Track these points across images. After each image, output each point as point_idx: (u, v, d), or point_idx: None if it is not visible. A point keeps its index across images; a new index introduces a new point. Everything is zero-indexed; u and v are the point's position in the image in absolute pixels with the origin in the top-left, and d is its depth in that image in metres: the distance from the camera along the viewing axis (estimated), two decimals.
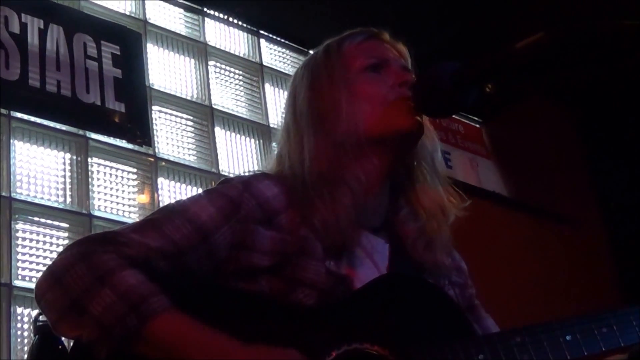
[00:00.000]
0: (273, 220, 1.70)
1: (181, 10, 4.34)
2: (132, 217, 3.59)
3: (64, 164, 3.53)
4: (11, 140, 3.37)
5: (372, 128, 1.76)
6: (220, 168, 4.04)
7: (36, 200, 3.35)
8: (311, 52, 2.02)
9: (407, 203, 1.86)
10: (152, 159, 3.81)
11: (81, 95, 3.60)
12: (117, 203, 3.62)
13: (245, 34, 4.60)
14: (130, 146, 3.74)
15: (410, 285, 1.68)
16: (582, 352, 1.57)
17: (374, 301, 1.64)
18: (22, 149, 3.41)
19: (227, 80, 4.37)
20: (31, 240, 3.28)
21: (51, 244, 3.31)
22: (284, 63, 4.67)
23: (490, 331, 1.85)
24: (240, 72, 4.46)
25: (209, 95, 4.21)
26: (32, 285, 1.60)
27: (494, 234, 4.79)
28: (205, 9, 4.42)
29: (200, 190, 3.45)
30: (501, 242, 4.85)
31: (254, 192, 1.71)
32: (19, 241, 3.23)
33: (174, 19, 4.29)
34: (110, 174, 3.66)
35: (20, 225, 3.27)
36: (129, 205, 3.66)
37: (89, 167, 3.57)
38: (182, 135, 4.02)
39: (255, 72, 4.52)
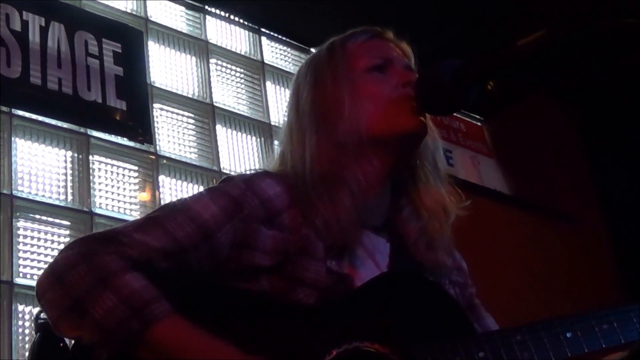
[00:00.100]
0: (275, 219, 1.70)
1: (182, 8, 4.34)
2: (134, 214, 3.59)
3: (65, 161, 3.53)
4: (12, 138, 3.37)
5: (375, 128, 1.75)
6: (222, 166, 4.04)
7: (37, 198, 3.35)
8: (313, 50, 2.02)
9: (409, 202, 1.86)
10: (154, 157, 3.82)
11: (82, 92, 3.59)
12: (119, 201, 3.62)
13: (247, 31, 4.60)
14: (131, 144, 3.74)
15: (410, 283, 1.68)
16: (582, 349, 1.57)
17: (374, 300, 1.64)
18: (24, 147, 3.41)
19: (228, 78, 4.37)
20: (32, 238, 3.28)
21: (52, 241, 3.31)
22: (285, 61, 4.67)
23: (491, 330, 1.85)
24: (242, 70, 4.46)
25: (210, 93, 4.21)
26: (34, 283, 1.60)
27: (495, 232, 4.79)
28: (206, 7, 4.42)
29: (201, 188, 3.45)
30: (502, 240, 4.85)
31: (257, 191, 1.71)
32: (20, 239, 3.23)
33: (175, 17, 4.29)
34: (112, 172, 3.66)
35: (21, 223, 3.27)
36: (130, 203, 3.66)
37: (90, 165, 3.57)
38: (183, 133, 4.02)
39: (257, 70, 4.52)
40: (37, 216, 3.33)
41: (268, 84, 4.51)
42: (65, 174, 3.50)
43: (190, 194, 1.81)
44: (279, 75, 4.57)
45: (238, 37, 4.54)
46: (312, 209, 1.70)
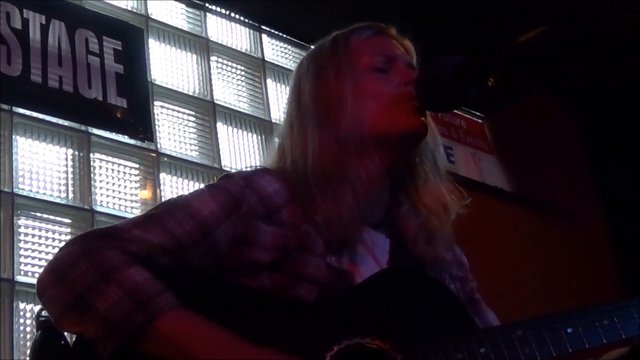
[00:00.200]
0: (274, 215, 1.70)
1: (183, 6, 4.34)
2: (134, 212, 3.60)
3: (66, 159, 3.53)
4: (13, 136, 3.37)
5: (376, 127, 1.75)
6: (222, 163, 4.05)
7: (38, 196, 3.35)
8: (312, 46, 2.01)
9: (408, 199, 1.86)
10: (154, 155, 3.82)
11: (83, 90, 3.60)
12: (119, 198, 3.62)
13: (247, 29, 4.60)
14: (132, 141, 3.75)
15: (411, 279, 1.68)
16: (583, 345, 1.57)
17: (374, 296, 1.64)
18: (24, 145, 3.42)
19: (229, 76, 4.37)
20: (33, 235, 3.28)
21: (53, 239, 3.32)
22: (286, 58, 4.67)
23: (491, 325, 1.85)
24: (242, 68, 4.46)
25: (211, 90, 4.21)
26: (35, 281, 1.60)
27: (496, 229, 4.79)
28: (207, 5, 4.42)
29: (202, 186, 3.45)
30: (503, 237, 4.85)
31: (256, 188, 1.71)
32: (21, 237, 3.24)
33: (176, 15, 4.29)
34: (113, 170, 3.66)
35: (22, 221, 3.27)
36: (131, 201, 3.66)
37: (91, 163, 3.57)
38: (184, 131, 4.02)
39: (257, 68, 4.52)
40: (38, 214, 3.33)
41: (269, 81, 4.51)
42: (66, 172, 3.50)
43: (190, 192, 1.81)
44: (280, 73, 4.58)
45: (239, 35, 4.54)
46: (313, 205, 1.70)
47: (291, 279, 1.65)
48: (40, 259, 3.21)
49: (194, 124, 4.09)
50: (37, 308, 2.06)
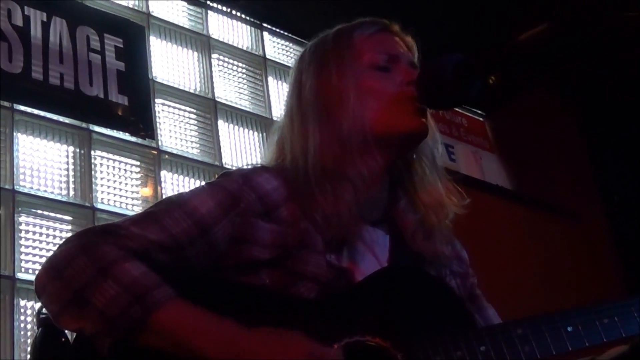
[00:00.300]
0: (273, 213, 1.70)
1: (184, 3, 4.34)
2: (135, 209, 3.59)
3: (67, 156, 3.53)
4: (14, 133, 3.37)
5: (378, 127, 1.75)
6: (224, 161, 4.05)
7: (39, 193, 3.36)
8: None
9: (405, 195, 1.86)
10: (155, 152, 3.82)
11: (84, 88, 3.60)
12: (120, 196, 3.62)
13: (248, 27, 4.60)
14: (133, 139, 3.75)
15: (411, 277, 1.68)
16: (583, 343, 1.58)
17: (375, 294, 1.64)
18: (25, 142, 3.41)
19: (230, 73, 4.37)
20: (34, 233, 3.28)
21: (54, 236, 3.32)
22: (287, 56, 4.67)
23: (492, 321, 1.85)
24: (244, 65, 4.46)
25: (212, 88, 4.21)
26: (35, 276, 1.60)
27: (496, 227, 4.79)
28: (208, 2, 4.42)
29: (203, 183, 3.46)
30: (504, 235, 4.85)
31: (254, 186, 1.71)
32: (22, 234, 3.24)
33: (177, 12, 4.29)
34: (113, 167, 3.66)
35: (23, 218, 3.27)
36: (132, 198, 3.66)
37: (92, 160, 3.57)
38: (185, 128, 4.02)
39: (259, 65, 4.52)
40: (39, 211, 3.33)
41: (270, 79, 4.51)
42: (67, 169, 3.50)
43: (189, 189, 1.80)
44: (281, 71, 4.57)
45: (240, 33, 4.54)
46: (313, 203, 1.70)
47: (291, 277, 1.65)
48: (41, 257, 3.21)
49: (195, 122, 4.08)
50: (37, 305, 2.06)
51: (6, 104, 3.38)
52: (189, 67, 4.20)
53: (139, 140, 3.76)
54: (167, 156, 3.86)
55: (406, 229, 1.82)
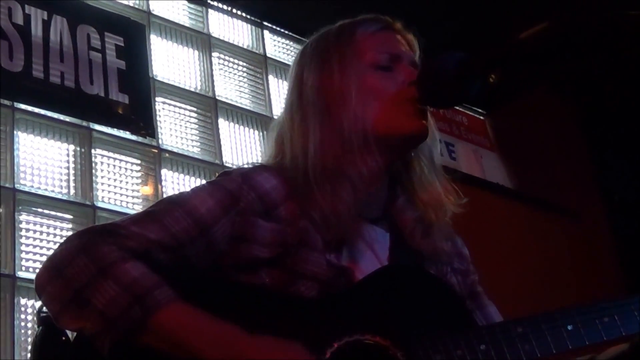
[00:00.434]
0: (272, 212, 1.70)
1: (185, 2, 4.34)
2: (136, 208, 3.60)
3: (68, 155, 3.53)
4: (15, 132, 3.37)
5: (379, 127, 1.75)
6: (224, 160, 4.05)
7: (40, 192, 3.36)
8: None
9: (404, 192, 1.86)
10: (156, 151, 3.82)
11: (85, 86, 3.60)
12: (121, 194, 3.62)
13: (249, 25, 4.60)
14: (133, 137, 3.75)
15: (411, 276, 1.68)
16: (583, 342, 1.57)
17: (375, 293, 1.64)
18: (26, 141, 3.42)
19: (230, 72, 4.37)
20: (35, 231, 3.28)
21: (55, 235, 3.32)
22: (288, 55, 4.67)
23: (493, 318, 1.85)
24: (244, 64, 4.46)
25: (213, 86, 4.21)
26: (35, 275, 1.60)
27: (497, 226, 4.80)
28: (208, 1, 4.42)
29: (203, 182, 3.46)
30: (504, 234, 4.85)
31: (253, 185, 1.71)
32: (23, 232, 3.24)
33: (178, 11, 4.29)
34: (114, 166, 3.66)
35: (23, 217, 3.27)
36: (133, 197, 3.66)
37: (93, 159, 3.57)
38: (185, 127, 4.03)
39: (259, 64, 4.52)
40: (40, 210, 3.33)
41: (270, 77, 4.51)
42: (68, 168, 3.50)
43: (190, 188, 1.80)
44: (282, 69, 4.57)
45: (240, 31, 4.54)
46: (312, 202, 1.70)
47: (291, 276, 1.65)
48: (41, 255, 3.21)
49: (196, 120, 4.09)
50: (38, 304, 2.06)
51: (7, 102, 3.38)
52: (189, 65, 4.20)
53: (140, 139, 3.76)
54: (167, 155, 3.86)
55: (405, 226, 1.81)
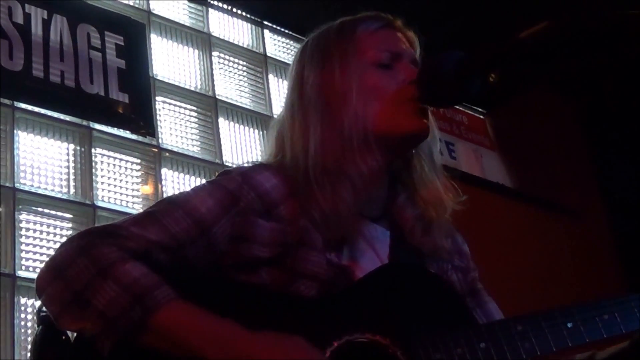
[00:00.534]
0: (272, 211, 1.70)
1: (185, 1, 4.34)
2: (136, 207, 3.60)
3: (68, 154, 3.53)
4: (15, 131, 3.38)
5: (380, 127, 1.74)
6: (224, 159, 4.05)
7: (40, 191, 3.36)
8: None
9: (404, 191, 1.86)
10: (156, 150, 3.82)
11: (85, 85, 3.60)
12: (121, 194, 3.62)
13: (249, 24, 4.60)
14: (133, 137, 3.75)
15: (411, 274, 1.68)
16: (583, 340, 1.58)
17: (375, 291, 1.64)
18: (26, 140, 3.42)
19: (230, 71, 4.37)
20: (35, 230, 3.28)
21: (55, 234, 3.32)
22: (288, 54, 4.66)
23: (493, 316, 1.85)
24: (244, 63, 4.46)
25: (213, 86, 4.21)
26: (36, 276, 1.60)
27: (497, 225, 4.79)
28: (209, 0, 4.42)
29: (203, 181, 3.46)
30: (504, 233, 4.85)
31: (253, 184, 1.71)
32: (23, 232, 3.24)
33: (178, 10, 4.29)
34: (114, 165, 3.66)
35: (24, 216, 3.27)
36: (133, 196, 3.66)
37: (93, 158, 3.57)
38: (185, 126, 4.03)
39: (259, 63, 4.52)
40: (40, 209, 3.34)
41: (270, 76, 4.52)
42: (68, 167, 3.50)
43: (190, 188, 1.80)
44: (282, 68, 4.57)
45: (240, 30, 4.54)
46: (312, 201, 1.69)
47: (291, 275, 1.65)
48: (41, 254, 3.21)
49: (196, 120, 4.09)
50: (38, 303, 2.06)
51: (7, 101, 3.38)
52: (189, 64, 4.20)
53: (140, 138, 3.77)
54: (167, 154, 3.86)
55: (405, 224, 1.81)
